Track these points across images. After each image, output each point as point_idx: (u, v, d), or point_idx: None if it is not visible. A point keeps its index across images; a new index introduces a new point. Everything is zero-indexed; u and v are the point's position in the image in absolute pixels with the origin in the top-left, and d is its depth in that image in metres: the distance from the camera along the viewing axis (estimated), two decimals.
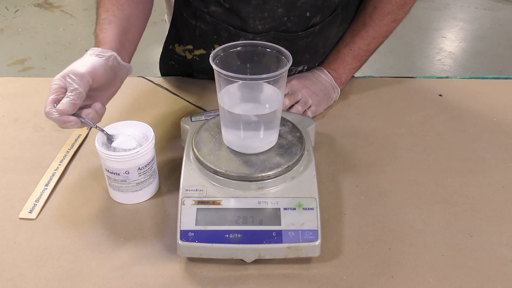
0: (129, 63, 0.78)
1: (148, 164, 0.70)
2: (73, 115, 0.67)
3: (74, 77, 0.67)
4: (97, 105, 0.71)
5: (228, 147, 0.71)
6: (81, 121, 0.68)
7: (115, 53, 0.73)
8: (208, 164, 0.67)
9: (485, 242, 0.68)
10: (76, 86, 0.67)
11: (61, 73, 0.68)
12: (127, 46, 0.78)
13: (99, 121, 0.72)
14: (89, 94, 0.70)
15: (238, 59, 0.68)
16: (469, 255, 0.66)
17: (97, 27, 0.77)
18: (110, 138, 0.71)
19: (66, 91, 0.68)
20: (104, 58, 0.71)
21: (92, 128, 0.89)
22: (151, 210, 0.72)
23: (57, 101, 0.67)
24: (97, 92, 0.72)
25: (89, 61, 0.70)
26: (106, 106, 0.74)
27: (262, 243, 0.61)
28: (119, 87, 0.76)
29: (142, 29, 0.84)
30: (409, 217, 0.71)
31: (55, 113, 0.66)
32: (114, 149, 0.70)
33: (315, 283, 0.62)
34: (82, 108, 0.70)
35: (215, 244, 0.61)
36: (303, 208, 0.64)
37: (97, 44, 0.75)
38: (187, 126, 0.79)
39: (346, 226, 0.70)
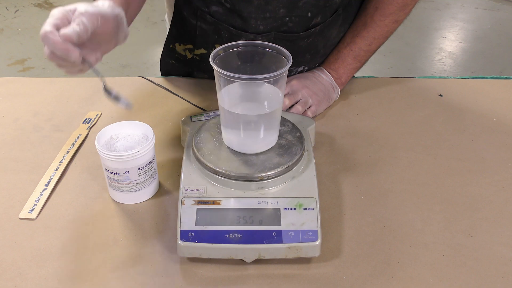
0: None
1: (148, 164, 0.70)
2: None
3: (83, 11, 0.61)
4: (98, 53, 0.64)
5: (228, 147, 0.71)
6: (82, 60, 0.61)
7: (123, 12, 0.68)
8: (208, 164, 0.67)
9: (485, 242, 0.68)
10: (84, 20, 0.60)
11: (67, 6, 0.61)
12: (128, 14, 0.73)
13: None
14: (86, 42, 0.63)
15: (238, 59, 0.68)
16: (469, 255, 0.66)
17: None
18: (108, 90, 0.66)
19: (69, 23, 0.61)
20: (114, 10, 0.65)
21: (93, 128, 0.89)
22: (151, 210, 0.72)
23: (58, 28, 0.60)
24: (93, 42, 0.65)
25: (100, 4, 0.64)
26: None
27: (262, 243, 0.61)
28: (112, 49, 0.70)
29: (140, 6, 0.81)
30: (409, 217, 0.71)
31: (57, 37, 0.59)
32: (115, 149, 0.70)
33: (315, 283, 0.62)
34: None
35: (215, 244, 0.61)
36: (303, 208, 0.64)
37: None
38: (187, 126, 0.79)
39: (346, 226, 0.70)
